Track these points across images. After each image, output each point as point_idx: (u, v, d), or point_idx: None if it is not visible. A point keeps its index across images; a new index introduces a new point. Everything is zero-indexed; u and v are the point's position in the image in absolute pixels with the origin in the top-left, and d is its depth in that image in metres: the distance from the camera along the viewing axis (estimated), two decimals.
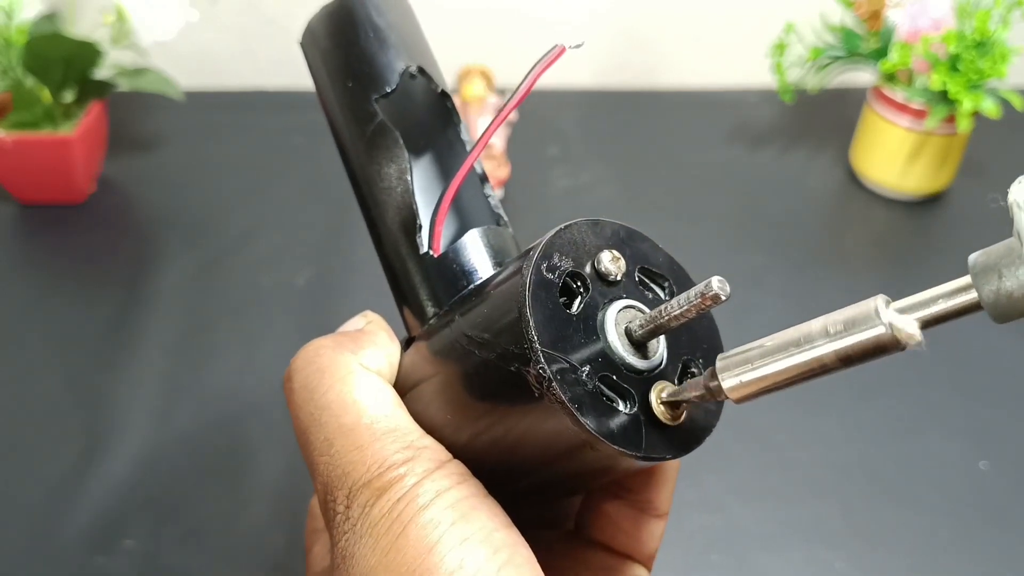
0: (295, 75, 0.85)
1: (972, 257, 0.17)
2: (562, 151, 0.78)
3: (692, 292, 0.20)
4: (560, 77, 0.87)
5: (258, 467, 0.48)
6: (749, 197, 0.73)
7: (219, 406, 0.52)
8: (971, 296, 0.17)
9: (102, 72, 0.66)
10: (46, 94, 0.65)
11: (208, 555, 0.44)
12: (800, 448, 0.51)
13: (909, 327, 0.17)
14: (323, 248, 0.65)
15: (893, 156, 0.70)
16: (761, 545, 0.45)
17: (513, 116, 0.72)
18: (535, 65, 0.24)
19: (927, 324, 0.17)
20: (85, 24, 0.71)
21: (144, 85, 0.68)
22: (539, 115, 0.81)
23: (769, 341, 0.19)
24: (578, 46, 0.24)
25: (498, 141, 0.70)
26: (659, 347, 0.22)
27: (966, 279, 0.17)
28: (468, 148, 0.28)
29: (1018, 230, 0.15)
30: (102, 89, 0.67)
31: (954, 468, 0.50)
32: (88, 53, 0.63)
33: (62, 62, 0.63)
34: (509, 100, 0.24)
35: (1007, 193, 0.16)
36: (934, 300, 0.17)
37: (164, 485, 0.47)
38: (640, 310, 0.22)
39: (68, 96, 0.66)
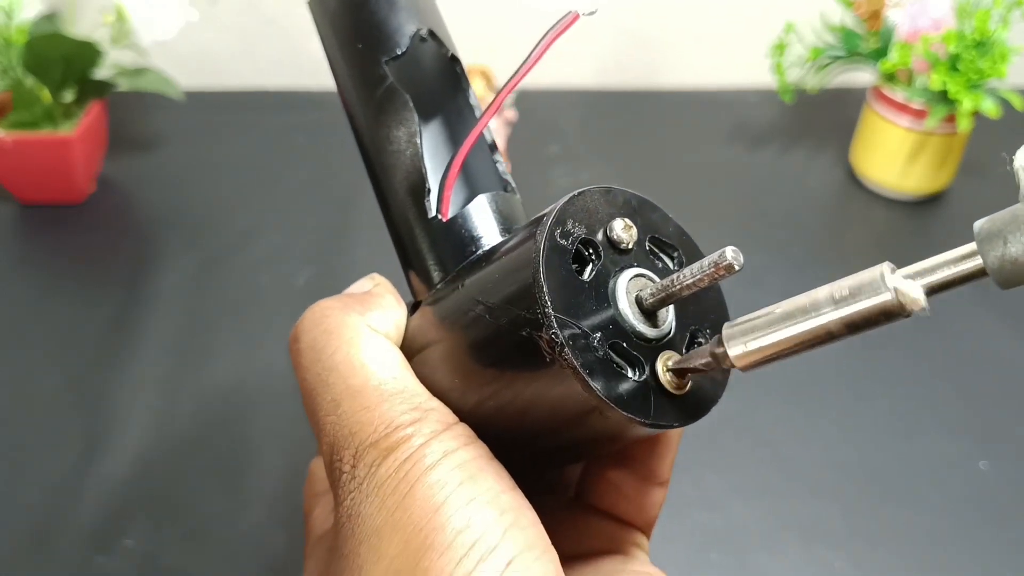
0: (295, 75, 0.85)
1: (977, 224, 0.17)
2: (563, 150, 0.78)
3: (705, 261, 0.20)
4: (561, 76, 0.87)
5: (258, 467, 0.48)
6: (749, 197, 0.73)
7: (219, 406, 0.52)
8: (976, 262, 0.17)
9: (102, 72, 0.66)
10: (46, 94, 0.65)
11: (208, 555, 0.44)
12: (800, 448, 0.51)
13: (914, 292, 0.17)
14: (323, 248, 0.65)
15: (893, 156, 0.70)
16: (761, 544, 0.45)
17: (513, 115, 0.72)
18: (548, 32, 0.24)
19: (933, 291, 0.17)
20: (85, 24, 0.71)
21: (144, 85, 0.68)
22: (539, 114, 0.81)
23: (776, 309, 0.19)
24: (592, 13, 0.24)
25: (498, 140, 0.70)
26: (668, 316, 0.22)
27: (971, 246, 0.17)
28: (478, 114, 0.28)
29: None
30: (102, 89, 0.67)
31: (954, 468, 0.50)
32: (88, 53, 0.63)
33: (62, 62, 0.63)
34: (522, 65, 0.24)
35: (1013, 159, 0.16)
36: (939, 267, 0.17)
37: (164, 485, 0.47)
38: (650, 279, 0.22)
39: (68, 96, 0.66)
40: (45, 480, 0.47)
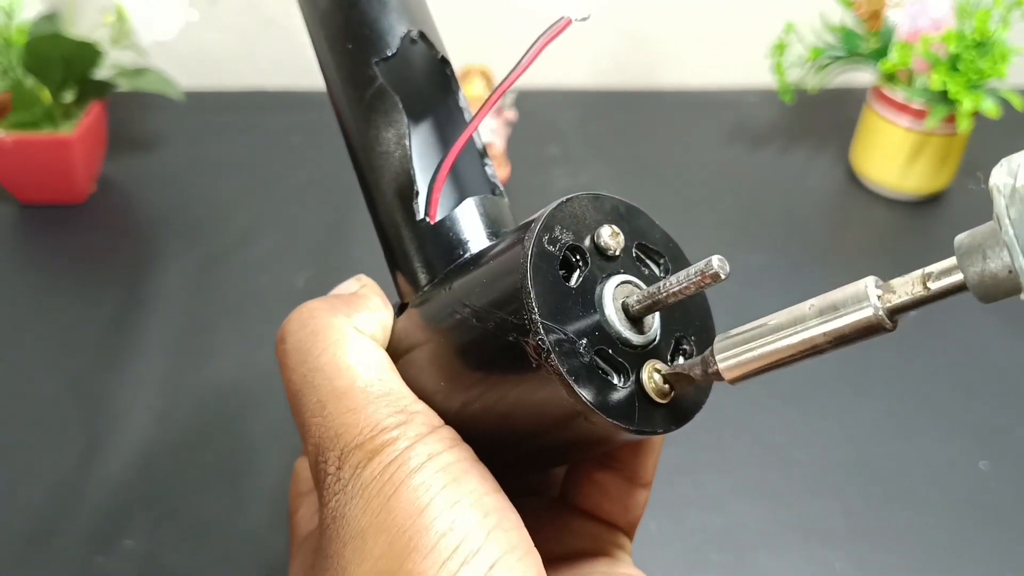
0: (295, 75, 0.85)
1: (958, 239, 0.17)
2: (562, 151, 0.78)
3: (692, 270, 0.20)
4: (560, 77, 0.87)
5: (258, 467, 0.48)
6: (749, 197, 0.73)
7: (219, 406, 0.52)
8: (957, 277, 0.17)
9: (102, 72, 0.66)
10: (46, 94, 0.65)
11: (208, 555, 0.44)
12: (800, 448, 0.51)
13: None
14: (323, 248, 0.65)
15: (893, 156, 0.70)
16: (761, 544, 0.45)
17: (513, 116, 0.72)
18: (540, 37, 0.24)
19: (914, 305, 0.18)
20: (85, 24, 0.71)
21: (144, 85, 0.68)
22: (539, 115, 0.81)
23: (764, 323, 0.20)
24: (584, 19, 0.24)
25: (498, 141, 0.70)
26: (654, 323, 0.22)
27: (952, 260, 0.17)
28: (467, 116, 0.28)
29: (997, 214, 0.16)
30: (102, 89, 0.67)
31: (954, 468, 0.50)
32: (88, 53, 0.63)
33: (62, 62, 0.63)
34: (513, 70, 0.24)
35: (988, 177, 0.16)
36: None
37: (164, 485, 0.47)
38: (637, 286, 0.22)
39: (68, 96, 0.66)
40: (45, 480, 0.47)
